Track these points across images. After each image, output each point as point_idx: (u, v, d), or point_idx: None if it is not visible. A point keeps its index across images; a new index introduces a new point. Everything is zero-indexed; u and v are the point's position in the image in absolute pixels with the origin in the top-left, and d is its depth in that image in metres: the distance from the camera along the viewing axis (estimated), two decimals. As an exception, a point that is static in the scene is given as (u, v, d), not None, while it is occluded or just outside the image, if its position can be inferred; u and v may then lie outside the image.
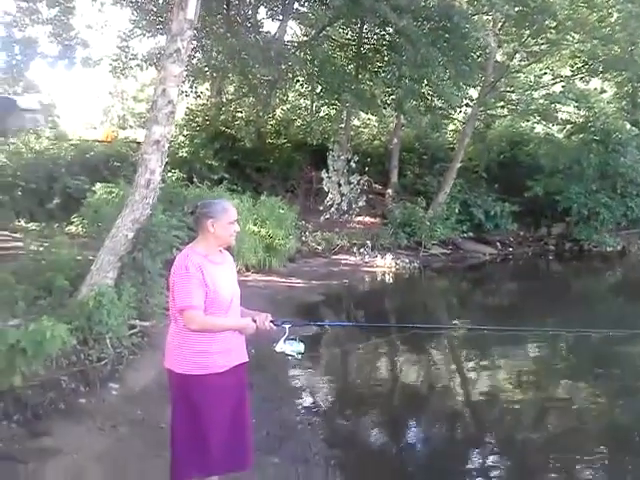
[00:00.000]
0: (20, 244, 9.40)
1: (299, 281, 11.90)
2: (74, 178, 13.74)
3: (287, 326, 3.28)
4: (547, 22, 16.36)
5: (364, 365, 7.61)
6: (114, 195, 9.93)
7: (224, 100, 19.64)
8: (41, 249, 7.01)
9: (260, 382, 5.68)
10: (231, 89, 20.10)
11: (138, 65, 18.10)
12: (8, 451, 3.88)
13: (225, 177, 15.37)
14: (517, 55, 18.97)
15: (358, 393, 6.37)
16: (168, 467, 3.15)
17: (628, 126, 18.42)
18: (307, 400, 5.73)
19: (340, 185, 17.23)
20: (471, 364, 7.74)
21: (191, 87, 18.03)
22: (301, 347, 3.27)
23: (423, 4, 15.55)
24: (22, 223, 12.94)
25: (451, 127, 21.84)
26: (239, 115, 18.83)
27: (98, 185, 10.84)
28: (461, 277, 15.61)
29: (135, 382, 5.42)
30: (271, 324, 3.21)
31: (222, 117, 18.37)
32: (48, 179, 14.10)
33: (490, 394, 6.42)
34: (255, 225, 12.14)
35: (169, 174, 11.97)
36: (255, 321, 3.18)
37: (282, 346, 3.25)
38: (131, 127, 25.02)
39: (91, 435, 4.34)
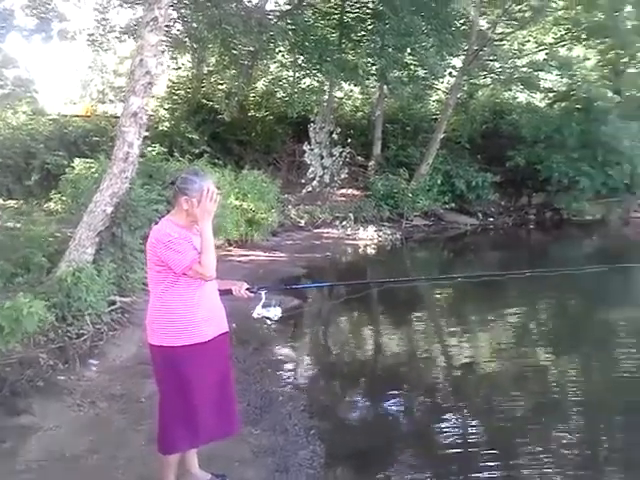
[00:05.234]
0: (-3, 221, 9.34)
1: (281, 255, 11.92)
2: (53, 154, 13.52)
3: (263, 292, 3.37)
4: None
5: (344, 336, 7.71)
6: (93, 170, 9.81)
7: (205, 72, 19.33)
8: (18, 226, 6.96)
9: (241, 355, 5.74)
10: (212, 61, 19.75)
11: (117, 37, 17.71)
12: (-13, 429, 3.89)
13: (206, 151, 15.18)
14: (500, 23, 18.79)
15: (338, 364, 6.43)
16: (148, 439, 3.18)
17: (610, 94, 18.41)
18: (287, 372, 5.78)
19: (322, 157, 17.12)
20: (448, 321, 8.12)
21: (172, 59, 17.72)
22: (278, 311, 3.40)
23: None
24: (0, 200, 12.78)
25: (435, 97, 21.71)
26: (220, 87, 18.56)
27: (77, 160, 10.69)
28: (442, 247, 15.82)
29: (115, 358, 5.45)
30: (247, 292, 3.27)
31: (203, 89, 18.12)
32: (26, 155, 13.84)
33: (469, 359, 6.56)
34: (237, 199, 12.06)
35: (149, 148, 11.82)
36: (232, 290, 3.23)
37: (260, 311, 3.37)
38: (111, 101, 24.38)
39: (70, 411, 4.37)
